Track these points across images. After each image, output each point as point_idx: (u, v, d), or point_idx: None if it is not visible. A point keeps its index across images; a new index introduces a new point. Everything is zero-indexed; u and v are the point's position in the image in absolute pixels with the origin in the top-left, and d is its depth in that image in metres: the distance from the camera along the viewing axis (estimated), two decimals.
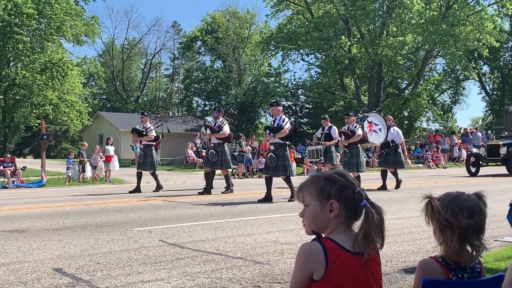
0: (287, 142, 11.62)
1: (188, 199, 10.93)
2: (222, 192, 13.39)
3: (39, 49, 41.51)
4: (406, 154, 14.66)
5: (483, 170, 21.53)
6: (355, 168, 13.22)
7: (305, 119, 57.07)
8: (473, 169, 20.95)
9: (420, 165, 30.31)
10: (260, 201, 11.15)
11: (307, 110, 57.12)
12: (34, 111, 42.98)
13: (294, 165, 24.38)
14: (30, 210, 10.21)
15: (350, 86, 49.15)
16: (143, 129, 14.59)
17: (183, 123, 52.85)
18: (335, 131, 14.74)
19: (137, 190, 14.26)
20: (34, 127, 48.05)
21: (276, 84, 52.71)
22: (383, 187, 13.99)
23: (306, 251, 2.12)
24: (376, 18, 42.43)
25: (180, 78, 70.35)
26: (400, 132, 14.63)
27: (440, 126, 62.85)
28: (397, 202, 11.05)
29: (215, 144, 13.20)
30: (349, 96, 46.20)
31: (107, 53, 67.83)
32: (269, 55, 49.79)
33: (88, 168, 20.43)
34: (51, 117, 44.43)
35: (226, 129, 13.24)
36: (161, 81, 75.80)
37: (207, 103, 62.02)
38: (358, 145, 13.54)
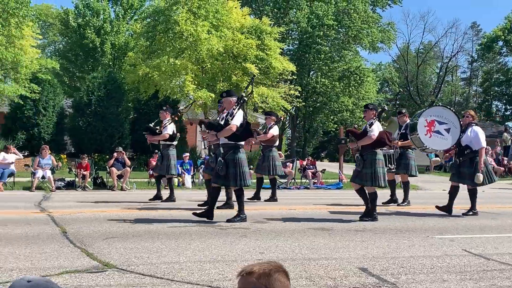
0: (241, 143, 8.82)
1: (491, 209, 10.28)
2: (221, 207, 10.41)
3: (338, 58, 43.92)
4: (481, 165, 9.70)
5: None
6: (370, 181, 9.20)
7: None
8: None
9: None
10: (197, 214, 8.88)
11: None
12: (331, 116, 45.63)
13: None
14: (332, 209, 10.79)
15: None
16: (157, 128, 12.27)
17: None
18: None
19: (157, 196, 12.28)
20: (331, 131, 50.83)
21: None
22: (448, 209, 10.15)
23: None
24: None
25: (478, 81, 66.63)
26: (482, 134, 10.17)
27: None
28: None
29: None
30: None
31: (402, 58, 67.93)
32: None
33: None
34: (348, 122, 46.41)
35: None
36: (458, 84, 72.87)
37: (508, 107, 57.55)
38: (377, 150, 9.36)
